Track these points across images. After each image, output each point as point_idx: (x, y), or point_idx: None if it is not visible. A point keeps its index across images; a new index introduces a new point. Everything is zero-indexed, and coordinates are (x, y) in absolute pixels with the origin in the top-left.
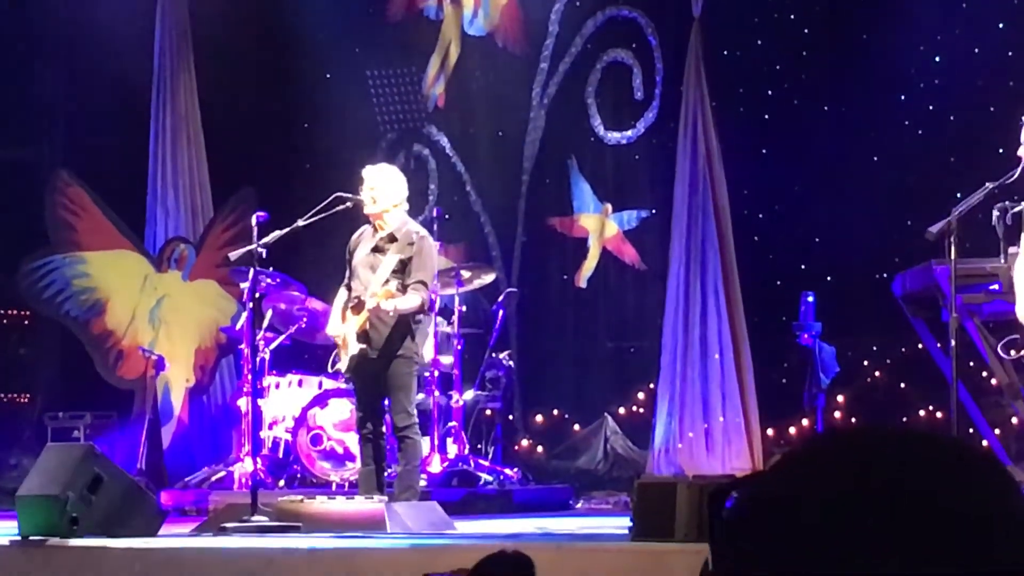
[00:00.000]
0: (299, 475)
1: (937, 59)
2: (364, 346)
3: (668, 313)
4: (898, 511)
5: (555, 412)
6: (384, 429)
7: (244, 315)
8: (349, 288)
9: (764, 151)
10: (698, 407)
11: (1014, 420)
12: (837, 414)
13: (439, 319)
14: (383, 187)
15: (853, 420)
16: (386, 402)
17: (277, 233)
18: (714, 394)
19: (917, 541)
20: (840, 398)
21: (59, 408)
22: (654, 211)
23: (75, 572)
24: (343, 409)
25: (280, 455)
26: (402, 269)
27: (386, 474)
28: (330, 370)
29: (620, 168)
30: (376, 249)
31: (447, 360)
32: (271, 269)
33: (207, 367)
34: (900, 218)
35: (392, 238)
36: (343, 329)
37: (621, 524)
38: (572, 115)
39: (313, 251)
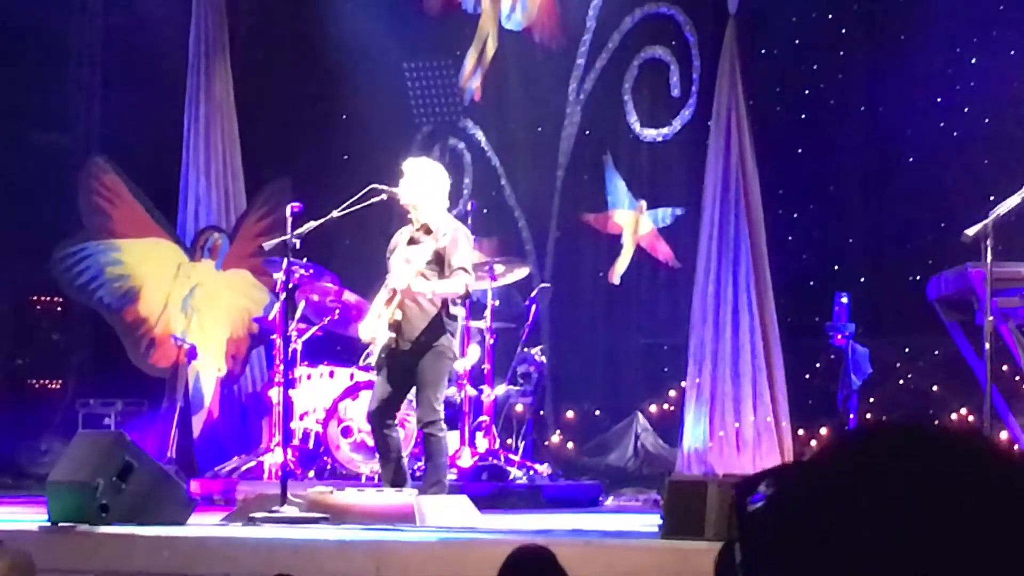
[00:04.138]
0: (329, 466)
1: (973, 61)
2: (393, 335)
3: (699, 311)
4: (937, 513)
5: (586, 408)
6: (394, 421)
7: (277, 305)
8: None
9: (799, 150)
10: (729, 406)
11: None
12: (869, 415)
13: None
14: (421, 181)
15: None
16: (410, 396)
17: (312, 224)
18: (745, 393)
19: (949, 544)
20: (872, 399)
21: (90, 395)
22: (689, 209)
23: (104, 559)
24: None
25: (310, 446)
26: (437, 261)
27: (417, 466)
28: (361, 363)
29: (656, 165)
30: (412, 241)
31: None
32: (305, 260)
33: (239, 357)
34: (935, 220)
35: (427, 230)
36: (375, 329)
37: (650, 522)
38: (608, 111)
39: (348, 242)
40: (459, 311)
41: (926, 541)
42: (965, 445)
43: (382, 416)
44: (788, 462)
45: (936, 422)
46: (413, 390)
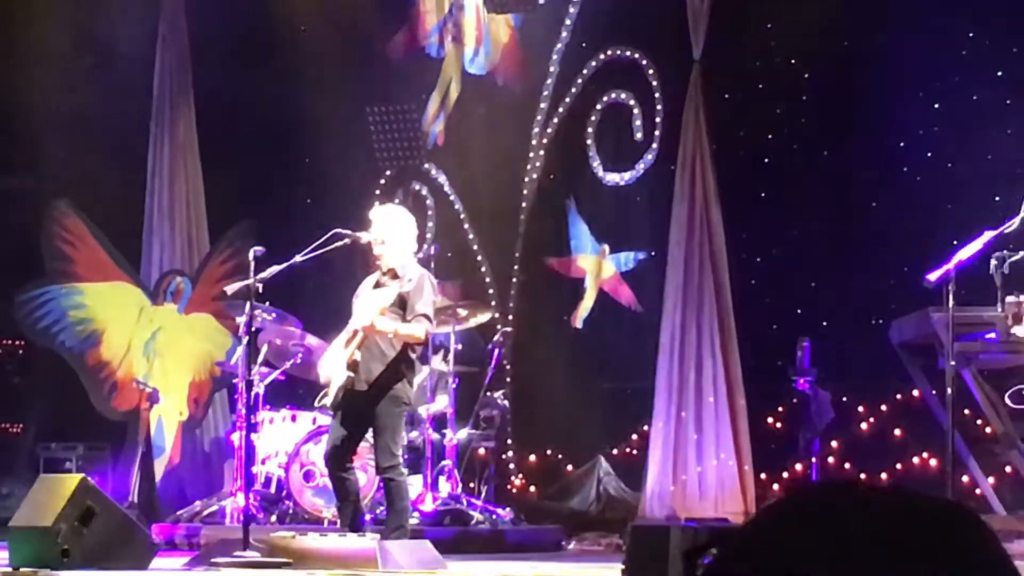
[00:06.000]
0: (291, 511)
1: (936, 106)
2: (351, 375)
3: (663, 355)
4: (880, 568)
5: (548, 452)
6: (350, 463)
7: (239, 349)
8: None
9: (763, 195)
10: (692, 450)
11: (1008, 468)
12: (831, 460)
13: (434, 357)
14: (387, 228)
15: (847, 466)
16: (366, 439)
17: (274, 268)
18: (708, 437)
19: None
20: (834, 444)
21: (52, 439)
22: (652, 253)
23: None
24: None
25: (273, 490)
26: (401, 305)
27: (379, 510)
28: (316, 405)
29: (619, 209)
30: (378, 285)
31: (441, 402)
32: (267, 304)
33: (201, 401)
34: (897, 264)
35: (394, 274)
36: (331, 369)
37: (613, 567)
38: (571, 155)
39: (311, 287)
40: (434, 359)
41: None
42: (909, 499)
43: (338, 458)
44: (731, 528)
45: (898, 466)
46: (370, 432)
